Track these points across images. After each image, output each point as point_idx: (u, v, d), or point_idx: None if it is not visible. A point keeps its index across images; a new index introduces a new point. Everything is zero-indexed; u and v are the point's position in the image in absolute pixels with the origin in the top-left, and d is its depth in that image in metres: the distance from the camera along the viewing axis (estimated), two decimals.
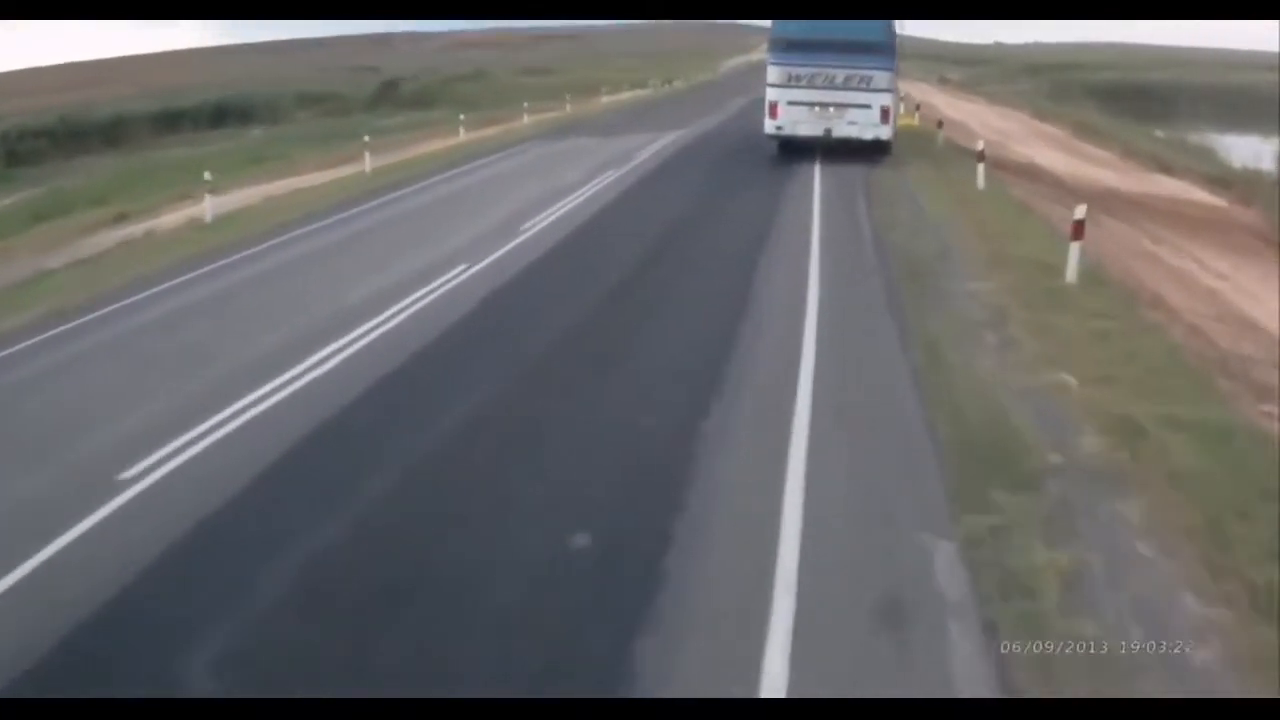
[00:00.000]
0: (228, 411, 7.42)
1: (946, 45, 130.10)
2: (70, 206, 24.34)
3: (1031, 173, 21.36)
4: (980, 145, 16.75)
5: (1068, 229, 10.91)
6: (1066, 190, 20.39)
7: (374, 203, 18.01)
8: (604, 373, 8.21)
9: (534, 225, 14.48)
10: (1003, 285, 10.59)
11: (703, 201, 16.51)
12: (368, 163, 23.10)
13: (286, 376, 8.13)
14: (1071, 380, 7.59)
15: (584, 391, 7.79)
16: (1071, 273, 10.62)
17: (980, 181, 16.73)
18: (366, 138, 23.83)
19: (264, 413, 7.46)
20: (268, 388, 7.89)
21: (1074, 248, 10.64)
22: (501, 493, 6.05)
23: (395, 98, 76.60)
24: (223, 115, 69.87)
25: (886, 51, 20.90)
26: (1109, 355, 8.15)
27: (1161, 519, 5.43)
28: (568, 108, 40.67)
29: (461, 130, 29.89)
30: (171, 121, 66.85)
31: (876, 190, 16.88)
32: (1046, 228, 13.77)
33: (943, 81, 65.61)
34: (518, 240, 13.53)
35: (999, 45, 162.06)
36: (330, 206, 17.81)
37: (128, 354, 9.69)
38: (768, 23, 23.19)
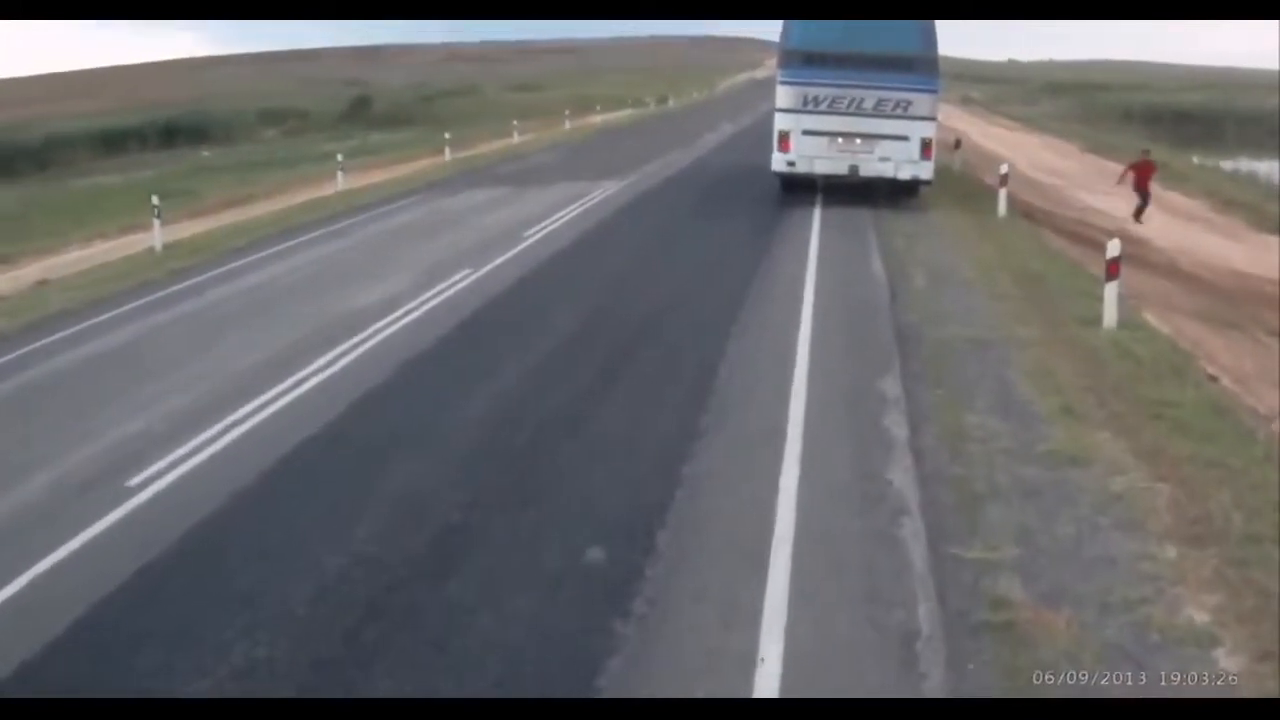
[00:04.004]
0: None
1: (960, 62, 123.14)
2: None
3: (1136, 251, 14.55)
4: (1113, 249, 9.06)
5: None
6: (1202, 289, 13.60)
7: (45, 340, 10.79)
8: None
9: (158, 478, 6.62)
10: None
11: (552, 402, 7.93)
12: (157, 237, 15.96)
13: None
14: None
15: None
16: None
17: (1110, 316, 9.26)
18: (155, 200, 16.11)
19: None
20: None
21: None
22: None
23: (367, 116, 70.76)
24: (173, 135, 63.79)
25: (927, 67, 16.14)
26: None
27: None
28: (515, 137, 33.52)
29: (340, 176, 22.76)
30: (116, 142, 60.61)
31: (927, 355, 8.70)
32: None
33: (966, 101, 58.99)
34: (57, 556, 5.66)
35: (1013, 63, 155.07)
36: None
37: None
38: (776, 36, 17.70)
